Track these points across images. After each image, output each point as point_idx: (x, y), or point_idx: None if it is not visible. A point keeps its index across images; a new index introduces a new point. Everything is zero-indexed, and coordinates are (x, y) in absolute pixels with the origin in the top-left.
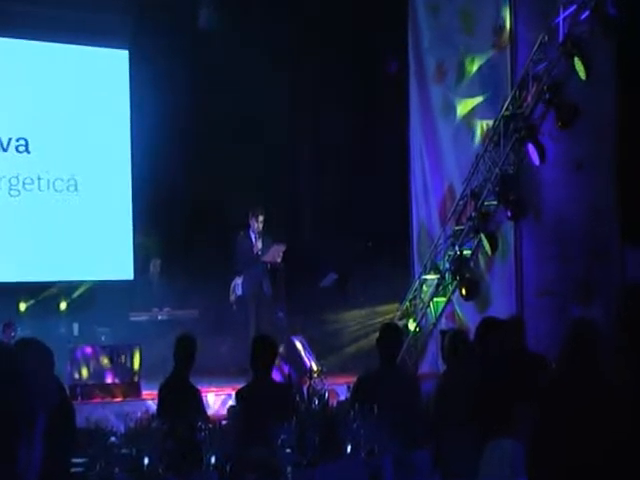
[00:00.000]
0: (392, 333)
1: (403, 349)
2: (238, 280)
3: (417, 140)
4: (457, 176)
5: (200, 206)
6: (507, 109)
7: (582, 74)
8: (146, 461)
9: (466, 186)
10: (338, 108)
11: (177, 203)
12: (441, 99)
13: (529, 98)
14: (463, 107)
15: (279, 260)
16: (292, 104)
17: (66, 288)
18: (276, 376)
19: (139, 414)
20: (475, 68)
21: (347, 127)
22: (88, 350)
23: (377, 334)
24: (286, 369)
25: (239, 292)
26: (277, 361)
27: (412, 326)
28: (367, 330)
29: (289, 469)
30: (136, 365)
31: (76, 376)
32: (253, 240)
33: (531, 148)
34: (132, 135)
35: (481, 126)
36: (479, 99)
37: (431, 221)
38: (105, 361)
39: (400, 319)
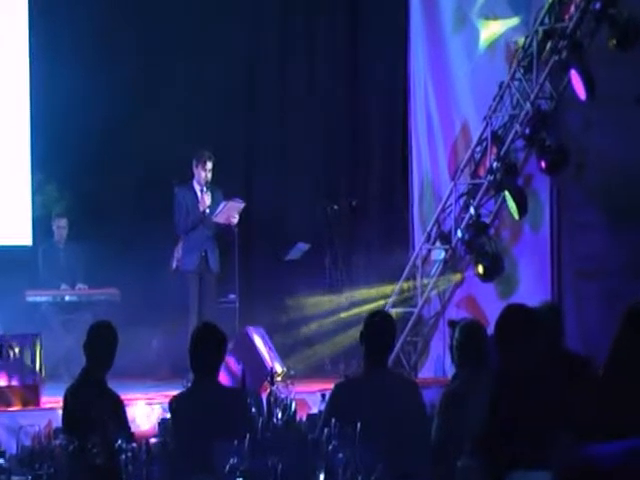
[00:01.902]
0: (381, 325)
1: (397, 346)
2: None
3: (420, 65)
4: (473, 113)
5: (125, 149)
6: (542, 22)
7: None
8: None
9: (486, 126)
10: (312, 20)
11: (91, 143)
12: (453, 9)
13: (572, 8)
14: (485, 27)
15: (234, 222)
16: (257, 20)
17: None
18: (224, 379)
19: (38, 428)
20: None
21: (325, 48)
22: None
23: (361, 326)
24: (238, 370)
25: (173, 266)
26: (226, 359)
27: (410, 315)
28: (349, 321)
29: None
30: (35, 362)
31: None
32: (198, 194)
33: (575, 76)
34: (31, 56)
35: (507, 45)
36: (509, 18)
37: (437, 174)
38: None
39: (394, 306)
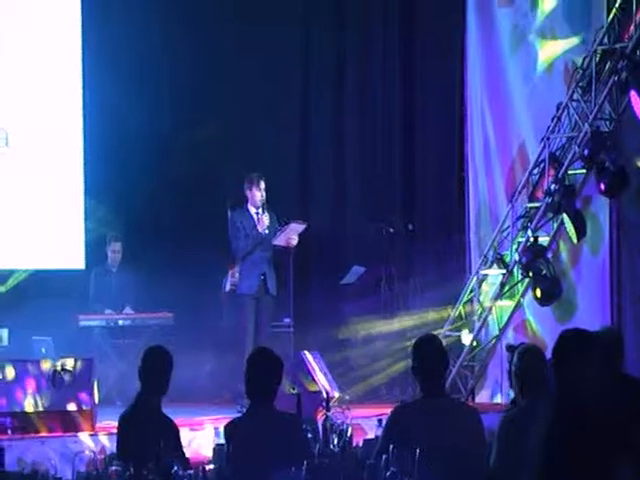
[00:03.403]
0: (428, 349)
1: (454, 371)
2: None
3: (476, 85)
4: (531, 134)
5: (177, 174)
6: (601, 42)
7: None
8: None
9: (543, 148)
10: (366, 39)
11: (146, 168)
12: (510, 27)
13: (632, 27)
14: (541, 40)
15: (294, 243)
16: (305, 35)
17: None
18: (281, 405)
19: (92, 454)
20: None
21: (380, 68)
22: (23, 366)
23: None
24: (294, 396)
25: (226, 288)
26: (283, 385)
27: (467, 339)
28: (406, 345)
29: None
30: (90, 388)
31: (4, 403)
32: (254, 216)
33: (634, 97)
34: (84, 80)
35: (565, 65)
36: (558, 16)
37: (494, 196)
38: (46, 382)
39: (451, 330)
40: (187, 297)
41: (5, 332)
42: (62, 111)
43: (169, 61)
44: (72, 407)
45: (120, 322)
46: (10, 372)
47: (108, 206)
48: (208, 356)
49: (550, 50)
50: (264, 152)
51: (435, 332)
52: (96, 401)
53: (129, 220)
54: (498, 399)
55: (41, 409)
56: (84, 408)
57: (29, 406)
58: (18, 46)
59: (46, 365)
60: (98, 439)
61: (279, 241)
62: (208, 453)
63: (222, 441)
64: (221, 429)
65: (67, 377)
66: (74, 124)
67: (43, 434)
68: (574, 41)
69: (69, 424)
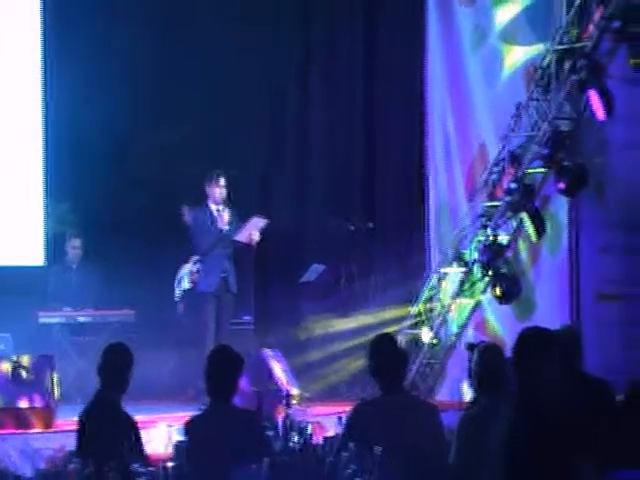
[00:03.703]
0: (384, 348)
1: (414, 369)
2: (185, 269)
3: (437, 84)
4: (491, 133)
5: (138, 172)
6: (561, 41)
7: None
8: None
9: (503, 147)
10: (331, 35)
11: (107, 166)
12: (471, 26)
13: (592, 27)
14: (500, 34)
15: (256, 239)
16: (270, 31)
17: None
18: (240, 402)
19: (52, 451)
20: None
21: (344, 65)
22: None
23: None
24: (254, 393)
25: (183, 286)
26: (241, 382)
27: (427, 337)
28: (366, 343)
29: None
30: (49, 385)
31: None
32: (215, 213)
33: (594, 96)
34: (44, 78)
35: (526, 66)
36: (520, 16)
37: (454, 195)
38: (5, 378)
39: (411, 328)
40: (148, 294)
41: None
42: (21, 105)
43: (128, 59)
44: (30, 404)
45: (80, 319)
46: None
47: (68, 203)
48: (170, 353)
49: (514, 57)
50: (226, 149)
51: (395, 330)
52: (56, 398)
53: (90, 217)
54: (457, 397)
55: (1, 406)
56: (43, 405)
57: None
58: None
59: (4, 362)
60: (57, 436)
61: (240, 237)
62: (162, 450)
63: (183, 438)
64: (181, 427)
65: (25, 374)
66: (34, 121)
67: (3, 431)
68: (538, 48)
69: (28, 421)
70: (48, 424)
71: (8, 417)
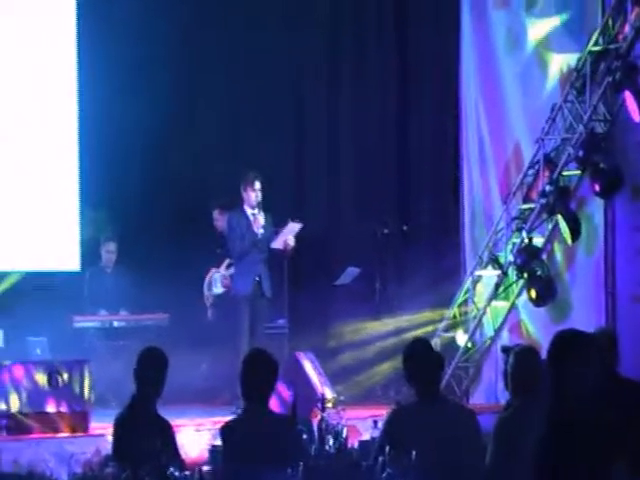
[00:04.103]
0: (420, 354)
1: (448, 372)
2: (215, 273)
3: (471, 87)
4: (526, 136)
5: (172, 175)
6: (596, 42)
7: None
8: None
9: (538, 149)
10: (361, 40)
11: (141, 170)
12: (505, 30)
13: (627, 27)
14: (535, 39)
15: (291, 245)
16: (301, 35)
17: None
18: (275, 406)
19: (88, 455)
20: None
21: (375, 69)
22: (17, 367)
23: None
24: (289, 397)
25: (215, 290)
26: (277, 386)
27: (462, 340)
28: (400, 346)
29: None
30: (84, 389)
31: (5, 410)
32: (250, 217)
33: (629, 97)
34: (79, 82)
35: (560, 66)
36: (556, 24)
37: (489, 198)
38: (41, 383)
39: (445, 331)
40: (182, 298)
41: (0, 333)
42: (57, 111)
43: (165, 63)
44: (66, 408)
45: (115, 323)
46: (5, 374)
47: (103, 207)
48: (204, 357)
49: (547, 59)
50: (259, 153)
51: (429, 333)
52: (91, 402)
53: (124, 221)
54: (493, 400)
55: (37, 410)
56: (78, 409)
57: (24, 407)
58: (12, 51)
59: (41, 366)
60: (93, 440)
61: (277, 244)
62: (197, 454)
63: (218, 442)
64: (217, 431)
65: (62, 378)
66: (69, 124)
67: (38, 435)
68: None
69: (63, 425)
70: (83, 428)
71: (43, 422)
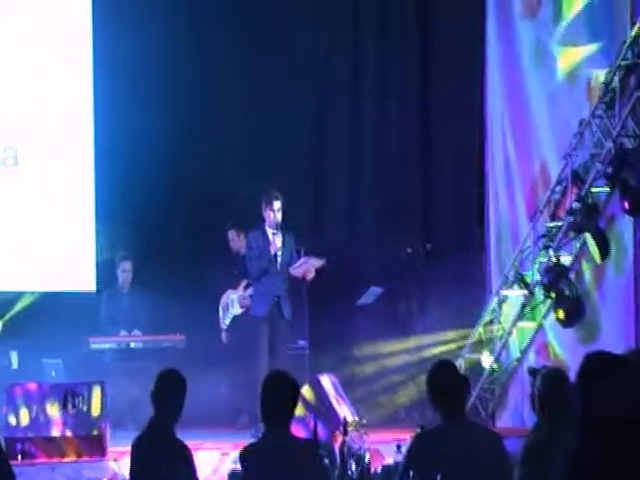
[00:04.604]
0: (446, 373)
1: (474, 394)
2: (232, 294)
3: (496, 100)
4: (553, 151)
5: (190, 194)
6: (625, 56)
7: None
8: None
9: (565, 165)
10: (383, 54)
11: (157, 188)
12: (532, 41)
13: None
14: (564, 55)
15: (310, 277)
16: (320, 49)
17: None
18: (296, 429)
19: None
20: None
21: (397, 83)
22: (32, 389)
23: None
24: (311, 420)
25: (233, 312)
26: (299, 409)
27: (487, 362)
28: (425, 367)
29: None
30: (99, 411)
31: (14, 426)
32: (271, 237)
33: None
34: (95, 99)
35: (588, 80)
36: (589, 44)
37: (515, 214)
38: (56, 405)
39: (470, 352)
40: (199, 318)
41: (15, 355)
42: (72, 129)
43: (182, 74)
44: (82, 432)
45: (132, 345)
46: (18, 392)
47: (119, 227)
48: (222, 379)
49: (569, 58)
50: (278, 168)
51: (454, 354)
52: (108, 425)
53: (140, 240)
54: (519, 423)
55: (52, 434)
56: (96, 433)
57: (39, 431)
58: (28, 64)
59: (56, 389)
60: (110, 465)
61: (296, 272)
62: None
63: (238, 467)
64: (236, 455)
65: (77, 401)
66: (85, 143)
67: (54, 460)
68: (593, 48)
69: (79, 449)
70: (100, 452)
71: (58, 446)
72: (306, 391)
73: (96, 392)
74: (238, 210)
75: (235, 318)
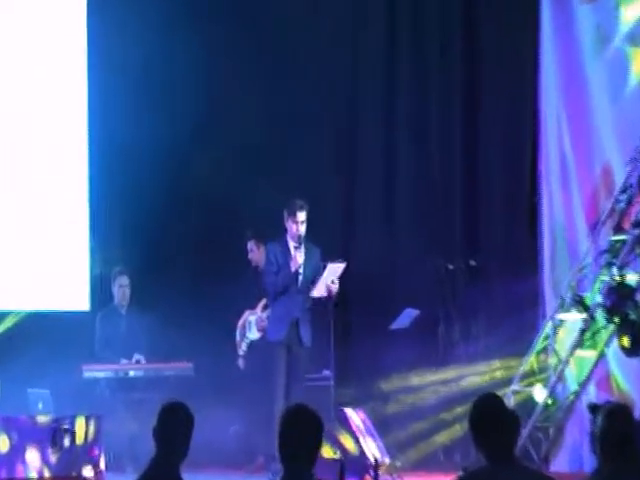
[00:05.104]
0: (493, 409)
1: (524, 433)
2: (251, 316)
3: (552, 97)
4: (617, 154)
5: (196, 202)
6: None
7: None
8: None
9: (632, 170)
10: (422, 42)
11: (159, 197)
12: (593, 28)
13: None
14: (632, 49)
15: (335, 289)
16: (358, 46)
17: None
18: (320, 472)
19: None
20: None
21: (438, 76)
22: (18, 423)
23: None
24: (336, 461)
25: (250, 336)
26: (323, 449)
27: (540, 396)
28: (468, 402)
29: None
30: (95, 451)
31: None
32: (292, 250)
33: None
34: (90, 99)
35: None
36: None
37: (573, 227)
38: (35, 452)
39: (521, 385)
40: (209, 343)
41: None
42: (66, 142)
43: (184, 69)
44: (76, 474)
45: (131, 373)
46: (4, 441)
47: (116, 238)
48: (235, 413)
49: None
50: (302, 176)
51: (502, 387)
52: (104, 467)
53: (140, 254)
54: (577, 467)
55: (41, 476)
56: (90, 475)
57: (26, 473)
58: (22, 77)
59: (44, 423)
60: None
61: (318, 291)
62: None
63: None
64: None
65: (69, 438)
66: (79, 153)
67: None
68: None
69: None
70: None
71: None
72: (331, 428)
73: (90, 427)
74: (257, 219)
75: (251, 344)
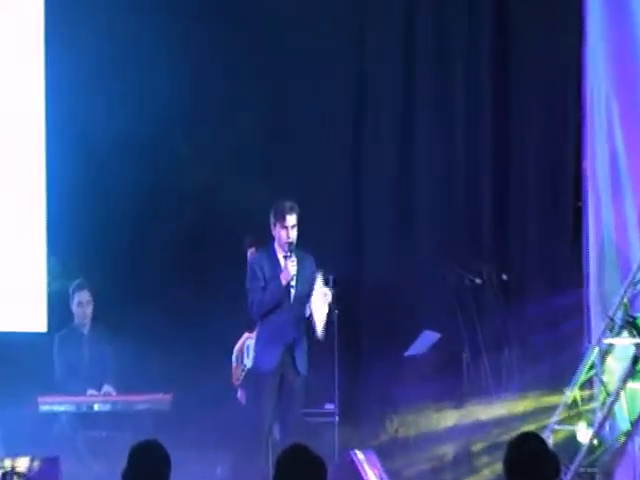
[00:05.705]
0: (530, 450)
1: (567, 479)
2: (249, 339)
3: (600, 85)
4: None
5: (175, 206)
6: None
7: None
8: None
9: None
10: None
11: (129, 198)
12: None
13: None
14: None
15: (327, 306)
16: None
17: None
18: None
19: None
20: None
21: (464, 60)
22: None
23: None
24: None
25: (247, 362)
26: None
27: (585, 436)
28: (500, 443)
29: None
30: None
31: None
32: (281, 261)
33: None
34: (47, 90)
35: None
36: None
37: (625, 236)
38: None
39: (562, 423)
40: (191, 372)
41: None
42: (22, 142)
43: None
44: None
45: (96, 406)
46: None
47: (77, 246)
48: (219, 455)
49: None
50: (304, 176)
51: (540, 425)
52: None
53: (104, 265)
54: None
55: None
56: None
57: None
58: None
59: None
60: None
61: (316, 308)
62: None
63: None
64: None
65: None
66: (36, 151)
67: None
68: None
69: None
70: None
71: None
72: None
73: (48, 471)
74: (255, 225)
75: (249, 372)
